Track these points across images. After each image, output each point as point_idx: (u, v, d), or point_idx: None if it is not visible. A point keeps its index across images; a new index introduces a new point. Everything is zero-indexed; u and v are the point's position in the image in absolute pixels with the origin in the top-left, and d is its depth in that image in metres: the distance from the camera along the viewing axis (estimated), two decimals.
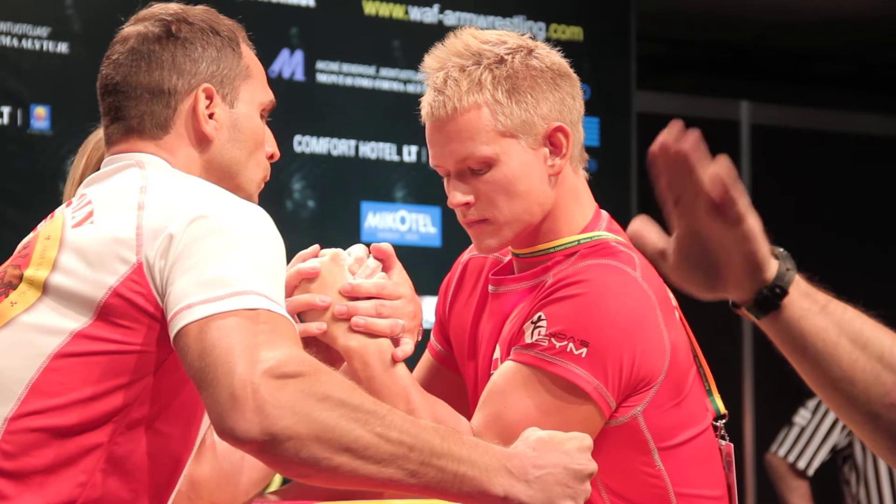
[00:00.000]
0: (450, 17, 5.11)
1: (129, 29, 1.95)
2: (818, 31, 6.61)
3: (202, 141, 1.91)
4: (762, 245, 1.54)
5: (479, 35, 2.16)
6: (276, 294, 1.70)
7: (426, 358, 2.33)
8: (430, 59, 2.16)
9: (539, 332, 2.04)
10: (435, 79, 2.14)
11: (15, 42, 4.48)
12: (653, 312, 2.06)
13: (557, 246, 2.15)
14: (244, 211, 1.77)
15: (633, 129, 5.42)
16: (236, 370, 1.60)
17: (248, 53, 2.00)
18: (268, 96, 1.99)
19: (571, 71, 2.19)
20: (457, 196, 2.13)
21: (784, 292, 1.56)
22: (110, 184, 1.87)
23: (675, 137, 1.50)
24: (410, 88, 5.03)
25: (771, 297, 1.56)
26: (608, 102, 5.28)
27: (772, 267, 1.56)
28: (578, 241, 2.14)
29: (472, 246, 2.29)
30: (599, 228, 2.18)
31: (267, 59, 4.89)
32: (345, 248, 2.13)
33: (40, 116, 4.50)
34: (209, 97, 1.91)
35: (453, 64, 2.13)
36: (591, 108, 5.27)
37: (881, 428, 1.58)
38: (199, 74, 1.91)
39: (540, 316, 2.05)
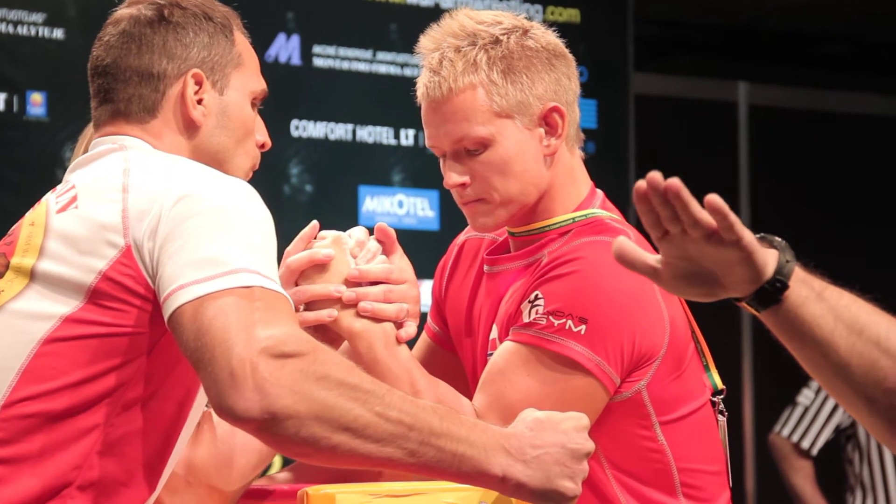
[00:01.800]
0: (446, 1, 5.10)
1: (123, 11, 1.94)
2: (816, 12, 6.60)
3: (189, 126, 1.90)
4: (759, 252, 1.54)
5: (475, 15, 2.15)
6: (269, 270, 1.69)
7: (423, 339, 2.33)
8: (426, 40, 2.16)
9: (537, 310, 2.04)
10: (430, 59, 2.14)
11: (10, 28, 4.47)
12: (650, 287, 2.05)
13: (552, 224, 2.15)
14: (231, 188, 1.76)
15: (631, 110, 5.41)
16: (234, 349, 1.60)
17: (242, 41, 1.98)
18: (260, 85, 1.98)
19: (567, 51, 2.19)
20: (453, 177, 2.13)
21: (784, 286, 1.56)
22: (93, 168, 1.86)
23: (661, 176, 1.50)
24: (407, 72, 5.02)
25: (772, 292, 1.56)
26: (606, 84, 5.27)
27: (770, 263, 1.56)
28: (573, 219, 2.15)
29: (468, 227, 2.29)
30: (594, 206, 2.18)
31: (263, 43, 4.89)
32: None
33: (36, 103, 4.49)
34: (198, 83, 1.90)
35: (448, 44, 2.13)
36: (588, 90, 5.27)
37: (879, 412, 1.58)
38: (190, 60, 1.90)
39: (537, 295, 2.05)
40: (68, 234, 1.77)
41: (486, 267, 2.22)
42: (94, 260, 1.74)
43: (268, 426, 1.60)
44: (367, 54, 4.99)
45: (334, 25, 4.94)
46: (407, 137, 5.03)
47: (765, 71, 6.94)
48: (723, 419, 2.18)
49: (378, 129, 5.00)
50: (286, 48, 4.85)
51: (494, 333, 2.15)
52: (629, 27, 5.41)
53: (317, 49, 4.91)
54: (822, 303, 1.58)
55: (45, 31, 4.51)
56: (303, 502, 1.78)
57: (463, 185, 2.13)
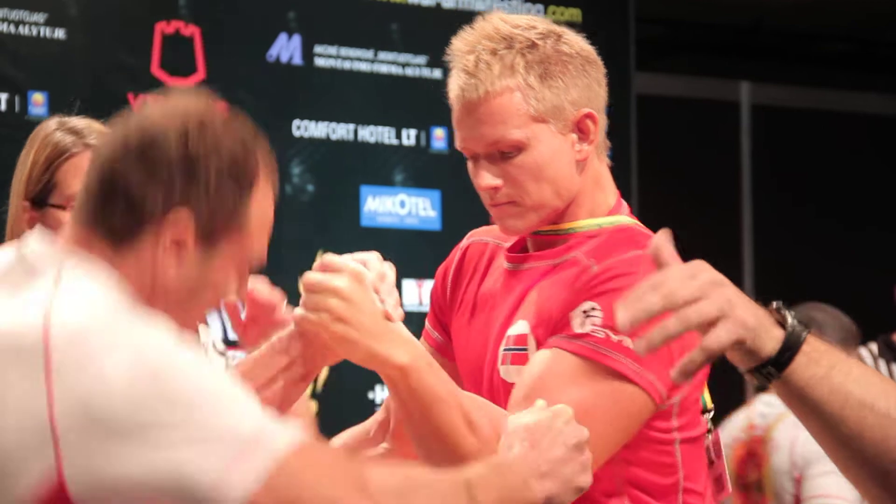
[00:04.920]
0: (448, 0, 5.10)
1: (153, 112, 1.69)
2: (819, 11, 6.59)
3: (157, 276, 1.66)
4: (754, 339, 1.55)
5: (509, 19, 2.16)
6: (259, 412, 1.57)
7: (424, 346, 2.32)
8: (459, 42, 2.16)
9: (593, 322, 2.03)
10: (465, 61, 2.13)
11: (12, 28, 4.47)
12: None
13: (579, 227, 2.16)
14: (157, 347, 1.54)
15: (633, 110, 5.41)
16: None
17: (259, 203, 1.70)
18: (253, 257, 1.72)
19: (598, 58, 2.21)
20: (486, 179, 2.13)
21: (782, 368, 1.56)
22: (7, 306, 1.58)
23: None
24: (409, 72, 5.02)
25: (769, 374, 1.57)
26: (608, 84, 5.26)
27: (767, 347, 1.56)
28: (600, 224, 2.16)
29: (471, 232, 2.28)
30: (622, 213, 2.20)
31: (265, 43, 4.89)
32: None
33: (38, 103, 4.49)
34: (183, 230, 1.64)
35: (484, 47, 2.13)
36: None
37: (890, 486, 1.57)
38: (184, 204, 1.64)
39: (593, 306, 2.04)
40: None
41: (507, 264, 2.22)
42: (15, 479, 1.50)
43: None
44: (369, 54, 4.99)
45: (336, 25, 4.93)
46: (409, 137, 5.03)
47: (767, 70, 6.94)
48: (709, 437, 2.20)
49: (380, 128, 5.00)
50: (287, 48, 4.85)
51: (519, 329, 2.14)
52: (631, 27, 5.40)
53: (318, 49, 4.91)
54: (831, 380, 1.57)
55: (46, 31, 4.50)
56: None
57: (495, 187, 2.13)
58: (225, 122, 1.68)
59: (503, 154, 2.12)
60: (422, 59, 5.03)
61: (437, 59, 5.68)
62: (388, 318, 1.96)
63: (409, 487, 1.63)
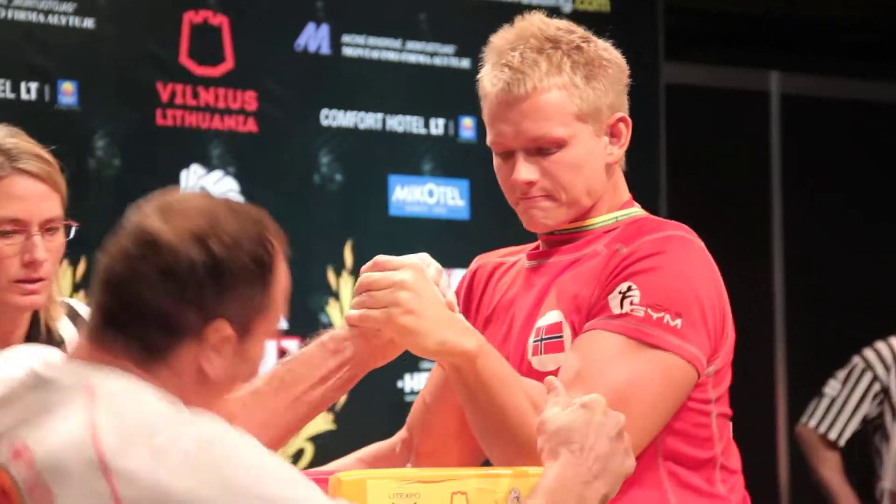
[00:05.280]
0: None
1: (159, 227, 1.65)
2: (848, 0, 6.56)
3: (200, 375, 1.66)
4: None
5: (550, 22, 2.22)
6: (320, 496, 1.59)
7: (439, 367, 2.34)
8: (500, 40, 2.20)
9: (631, 301, 2.08)
10: (509, 58, 2.17)
11: (41, 17, 4.48)
12: (721, 280, 2.17)
13: (595, 223, 2.21)
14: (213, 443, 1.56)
15: (662, 100, 5.39)
16: None
17: (278, 281, 1.71)
18: (279, 321, 1.74)
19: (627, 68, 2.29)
20: (524, 172, 2.17)
21: None
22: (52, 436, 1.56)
23: None
24: (437, 61, 5.02)
25: None
26: (636, 74, 5.23)
27: None
28: (616, 217, 2.22)
29: (477, 257, 2.36)
30: (634, 207, 2.27)
31: (292, 32, 4.89)
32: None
33: (67, 92, 4.50)
34: (224, 337, 1.66)
35: (530, 46, 2.18)
36: None
37: None
38: (219, 314, 1.65)
39: (629, 286, 2.09)
40: None
41: (529, 262, 2.26)
42: None
43: None
44: (397, 43, 4.98)
45: (364, 14, 4.93)
46: (437, 126, 5.02)
47: (796, 60, 6.91)
48: None
49: (408, 118, 5.00)
50: (315, 37, 4.85)
51: (551, 319, 2.16)
52: (659, 16, 5.38)
53: (346, 38, 4.91)
54: None
55: (75, 21, 4.52)
56: (335, 488, 1.79)
57: (532, 182, 2.17)
58: (234, 218, 1.67)
59: (541, 150, 2.16)
60: (450, 49, 5.02)
61: (466, 48, 5.69)
62: (451, 308, 2.02)
63: None
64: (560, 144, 2.16)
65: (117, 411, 1.55)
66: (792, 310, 6.62)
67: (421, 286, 2.00)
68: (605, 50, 2.24)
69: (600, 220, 2.21)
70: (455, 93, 4.89)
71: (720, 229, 6.86)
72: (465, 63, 4.96)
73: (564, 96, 2.16)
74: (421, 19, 5.01)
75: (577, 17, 5.81)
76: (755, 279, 6.44)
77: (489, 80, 2.19)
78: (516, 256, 2.30)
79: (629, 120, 2.24)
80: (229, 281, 1.64)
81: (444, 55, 5.02)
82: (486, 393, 2.00)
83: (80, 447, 1.53)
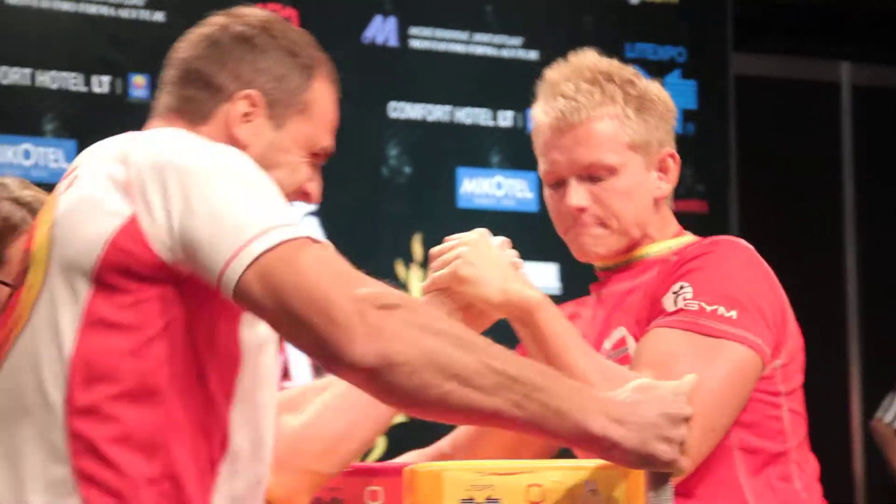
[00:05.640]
0: None
1: (218, 18, 1.94)
2: None
3: (236, 145, 1.82)
4: None
5: (602, 58, 2.29)
6: (286, 215, 1.69)
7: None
8: (555, 73, 2.27)
9: (684, 297, 2.11)
10: (564, 88, 2.24)
11: (112, 11, 4.52)
12: (776, 281, 2.18)
13: (648, 253, 2.25)
14: (223, 152, 1.75)
15: (731, 91, 5.36)
16: (336, 301, 1.60)
17: (321, 92, 1.90)
18: (322, 142, 1.89)
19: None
20: (576, 198, 2.21)
21: None
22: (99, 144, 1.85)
23: None
24: (504, 53, 5.01)
25: None
26: (705, 65, 5.22)
27: None
28: (669, 246, 2.25)
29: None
30: (686, 235, 2.30)
31: (360, 25, 4.91)
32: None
33: (139, 85, 4.54)
34: (253, 104, 1.86)
35: (584, 77, 2.24)
36: (687, 71, 5.23)
37: None
38: (253, 84, 1.87)
39: (682, 285, 2.12)
40: (68, 213, 1.74)
41: (594, 294, 2.30)
42: (97, 233, 1.69)
43: (381, 373, 1.61)
44: (464, 35, 4.99)
45: (430, 7, 4.94)
46: (505, 119, 5.02)
47: (868, 50, 6.84)
48: None
49: (476, 110, 5.00)
50: (383, 30, 4.86)
51: (615, 337, 2.20)
52: (728, 6, 5.35)
53: (413, 31, 4.92)
54: None
55: (145, 14, 4.55)
56: (410, 479, 1.79)
57: (584, 208, 2.21)
58: (290, 25, 1.93)
59: (593, 177, 2.21)
60: (517, 41, 5.02)
61: (533, 40, 5.68)
62: (515, 267, 2.09)
63: (431, 320, 1.65)
64: (612, 171, 2.21)
65: (151, 136, 1.81)
66: (865, 305, 6.56)
67: (483, 243, 2.09)
68: (656, 87, 2.28)
69: (655, 250, 2.25)
70: (523, 85, 4.87)
71: (790, 223, 6.83)
72: (532, 55, 4.95)
73: (617, 126, 2.21)
74: (487, 11, 5.01)
75: (645, 8, 5.79)
76: (827, 274, 6.39)
77: (542, 110, 2.25)
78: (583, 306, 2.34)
79: (678, 157, 2.27)
80: (263, 54, 1.87)
81: (511, 47, 5.02)
82: (551, 344, 2.05)
83: (116, 145, 1.80)
